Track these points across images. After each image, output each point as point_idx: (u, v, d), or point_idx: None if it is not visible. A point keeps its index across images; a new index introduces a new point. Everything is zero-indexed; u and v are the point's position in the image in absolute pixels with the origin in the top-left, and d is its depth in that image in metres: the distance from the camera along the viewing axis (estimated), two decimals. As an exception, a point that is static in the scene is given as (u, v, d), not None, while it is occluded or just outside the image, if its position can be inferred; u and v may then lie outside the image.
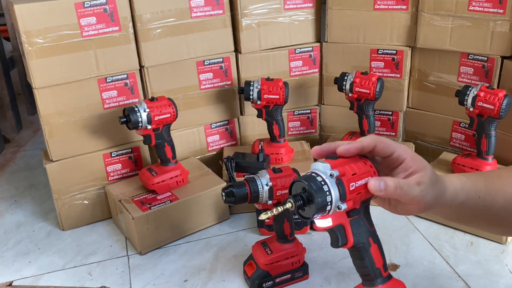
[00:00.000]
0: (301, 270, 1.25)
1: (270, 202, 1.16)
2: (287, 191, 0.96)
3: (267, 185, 1.14)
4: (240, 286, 1.25)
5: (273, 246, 1.23)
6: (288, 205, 0.67)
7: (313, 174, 0.67)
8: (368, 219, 0.74)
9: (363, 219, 0.73)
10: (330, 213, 0.68)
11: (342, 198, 0.67)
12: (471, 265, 1.30)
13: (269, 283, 1.22)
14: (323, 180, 0.66)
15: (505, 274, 1.26)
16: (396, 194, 0.67)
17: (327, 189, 0.66)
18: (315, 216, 0.67)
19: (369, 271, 0.75)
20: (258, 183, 1.14)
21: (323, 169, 0.67)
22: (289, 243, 1.22)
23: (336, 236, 0.72)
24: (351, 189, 0.67)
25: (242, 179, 1.51)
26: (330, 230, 0.72)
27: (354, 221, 0.72)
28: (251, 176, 1.17)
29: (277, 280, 1.23)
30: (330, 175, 0.66)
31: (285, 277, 1.23)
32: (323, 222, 0.70)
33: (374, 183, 0.67)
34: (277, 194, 1.15)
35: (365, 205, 0.73)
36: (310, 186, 0.65)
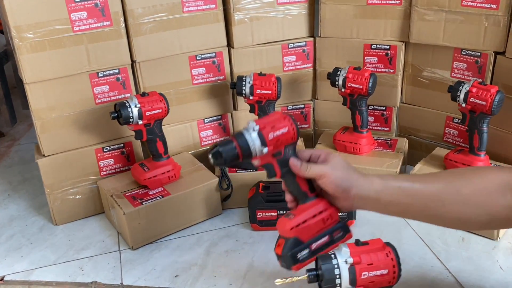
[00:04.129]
0: (339, 229, 0.96)
1: (265, 149, 0.90)
2: (280, 131, 0.90)
3: (253, 129, 0.90)
4: (231, 281, 1.26)
5: (295, 210, 0.96)
6: (304, 277, 0.81)
7: (332, 255, 0.81)
8: None
9: None
10: None
11: (352, 283, 0.79)
12: (462, 261, 1.30)
13: (305, 252, 0.92)
14: (338, 263, 0.80)
15: (496, 270, 1.27)
16: (305, 170, 0.87)
17: (338, 273, 0.79)
18: None
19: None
20: (245, 133, 0.90)
21: (343, 252, 0.81)
22: (312, 200, 0.95)
23: None
24: (362, 277, 0.79)
25: (234, 174, 1.52)
26: None
27: None
28: (237, 131, 1.00)
29: (313, 246, 0.93)
30: (345, 261, 0.80)
31: (322, 240, 0.94)
32: None
33: (292, 161, 0.89)
34: (269, 137, 0.90)
35: None
36: (324, 266, 0.80)
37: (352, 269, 0.80)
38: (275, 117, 0.92)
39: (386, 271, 0.80)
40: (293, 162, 0.89)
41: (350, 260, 0.80)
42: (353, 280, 0.79)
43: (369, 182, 0.86)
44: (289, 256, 0.91)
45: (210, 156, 0.89)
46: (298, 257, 0.92)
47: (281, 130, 0.90)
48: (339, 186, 0.85)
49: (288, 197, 0.94)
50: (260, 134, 0.88)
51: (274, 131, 0.90)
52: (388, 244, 0.83)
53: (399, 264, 0.82)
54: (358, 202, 0.87)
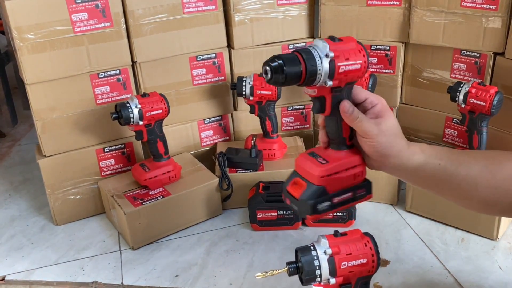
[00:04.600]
0: (364, 187, 0.86)
1: (330, 83, 0.75)
2: (352, 66, 0.76)
3: (327, 56, 0.73)
4: (231, 281, 1.26)
5: (327, 155, 0.84)
6: (284, 270, 0.82)
7: (311, 247, 0.82)
8: None
9: None
10: (321, 284, 0.82)
11: (332, 274, 0.80)
12: (461, 261, 1.30)
13: (326, 203, 0.81)
14: (317, 255, 0.81)
15: (495, 270, 1.27)
16: (354, 120, 0.76)
17: (318, 264, 0.80)
18: (308, 284, 0.82)
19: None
20: (315, 56, 0.73)
21: (321, 244, 0.82)
22: (348, 150, 0.84)
23: None
24: (342, 267, 0.81)
25: (234, 174, 1.52)
26: None
27: None
28: (304, 48, 0.78)
29: (335, 200, 0.83)
30: (324, 251, 0.81)
31: (345, 195, 0.84)
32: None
33: (345, 104, 0.76)
34: (340, 70, 0.75)
35: (363, 281, 0.85)
36: (303, 258, 0.81)
37: (331, 259, 0.81)
38: (350, 46, 0.77)
39: (365, 260, 0.82)
40: (345, 107, 0.76)
41: (329, 251, 0.81)
42: (332, 271, 0.81)
43: (410, 154, 0.80)
44: (310, 205, 0.80)
45: (268, 68, 0.72)
46: (318, 208, 0.81)
47: (353, 65, 0.76)
48: (379, 152, 0.78)
49: (322, 134, 0.82)
50: (331, 64, 0.73)
51: (347, 64, 0.76)
52: (366, 234, 0.84)
53: (377, 253, 0.83)
54: (392, 170, 0.82)
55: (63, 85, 1.41)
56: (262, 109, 1.55)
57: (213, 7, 1.54)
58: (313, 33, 1.70)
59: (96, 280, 1.29)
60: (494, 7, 1.40)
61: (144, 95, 1.41)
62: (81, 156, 1.49)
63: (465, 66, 1.52)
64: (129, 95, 1.50)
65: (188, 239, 1.44)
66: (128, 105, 1.37)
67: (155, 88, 1.51)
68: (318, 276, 0.81)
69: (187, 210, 1.46)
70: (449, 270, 1.27)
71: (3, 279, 1.31)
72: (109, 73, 1.46)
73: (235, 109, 1.71)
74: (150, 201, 1.40)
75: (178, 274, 1.30)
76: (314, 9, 1.67)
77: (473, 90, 1.35)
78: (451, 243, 1.37)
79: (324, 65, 0.72)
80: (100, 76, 1.45)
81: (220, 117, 1.70)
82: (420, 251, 1.34)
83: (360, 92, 0.79)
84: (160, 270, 1.31)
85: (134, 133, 1.44)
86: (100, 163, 1.52)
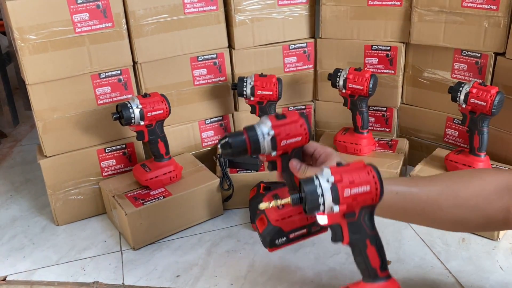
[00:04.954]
0: (318, 224, 1.03)
1: (274, 153, 0.95)
2: (293, 140, 0.95)
3: (268, 134, 0.93)
4: (232, 281, 1.26)
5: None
6: (287, 200, 0.78)
7: (314, 177, 0.78)
8: (368, 223, 0.81)
9: (362, 223, 0.81)
10: (325, 213, 0.78)
11: (335, 201, 0.77)
12: (462, 261, 1.30)
13: (283, 239, 1.03)
14: (320, 183, 0.77)
15: (495, 270, 1.27)
16: (302, 172, 0.89)
17: (321, 192, 0.77)
18: (312, 213, 0.79)
19: (364, 269, 0.81)
20: (258, 132, 0.93)
21: (324, 173, 0.78)
22: None
23: (334, 233, 0.82)
24: (345, 195, 0.77)
25: (235, 174, 1.53)
26: (329, 226, 0.82)
27: (351, 223, 0.81)
28: (250, 125, 0.98)
29: (291, 235, 1.03)
30: (327, 180, 0.77)
31: (300, 232, 1.04)
32: (320, 218, 0.81)
33: (293, 162, 0.91)
34: (282, 144, 0.94)
35: (368, 211, 0.81)
36: (306, 187, 0.77)
37: (334, 187, 0.78)
38: (291, 120, 0.93)
39: (368, 188, 0.79)
40: (293, 164, 0.91)
41: (332, 179, 0.78)
42: (335, 198, 0.77)
43: None
44: (268, 240, 1.00)
45: (219, 145, 0.93)
46: (275, 242, 1.01)
47: (294, 139, 0.93)
48: None
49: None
50: (273, 139, 0.91)
51: (288, 138, 0.93)
52: (369, 164, 0.82)
53: (380, 181, 0.80)
54: None
55: (64, 85, 1.41)
56: (263, 109, 1.55)
57: (214, 7, 1.54)
58: (314, 33, 1.71)
59: (97, 281, 1.29)
60: (495, 7, 1.40)
61: (145, 95, 1.41)
62: (82, 157, 1.49)
63: (466, 66, 1.52)
64: (130, 96, 1.50)
65: (189, 239, 1.44)
66: (129, 105, 1.37)
67: (156, 88, 1.51)
68: (321, 204, 0.78)
69: (188, 211, 1.46)
70: (450, 270, 1.27)
71: (4, 279, 1.32)
72: (110, 73, 1.46)
73: (236, 109, 1.71)
74: (151, 201, 1.40)
75: (179, 275, 1.30)
76: (315, 9, 1.67)
77: (474, 90, 1.35)
78: (452, 243, 1.37)
79: (267, 142, 0.90)
80: (101, 77, 1.45)
81: (221, 118, 1.70)
82: (421, 251, 1.34)
83: (309, 145, 0.93)
84: (161, 271, 1.32)
85: (135, 134, 1.45)
86: (101, 164, 1.52)
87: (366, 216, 0.81)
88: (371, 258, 0.81)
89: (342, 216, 0.80)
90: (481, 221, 0.87)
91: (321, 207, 0.78)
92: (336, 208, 0.78)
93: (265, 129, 0.93)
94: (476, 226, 0.90)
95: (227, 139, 0.92)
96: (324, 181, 0.78)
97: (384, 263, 0.81)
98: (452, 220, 0.87)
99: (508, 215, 0.84)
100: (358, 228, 0.81)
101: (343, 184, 0.78)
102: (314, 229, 1.05)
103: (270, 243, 1.04)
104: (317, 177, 0.78)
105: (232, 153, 0.92)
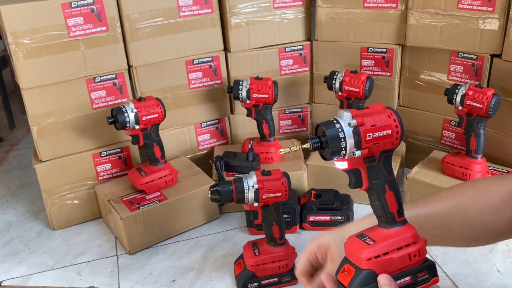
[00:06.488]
0: (289, 275, 1.25)
1: (256, 204, 1.16)
2: (273, 194, 1.16)
3: (253, 187, 1.15)
4: (228, 286, 1.26)
5: (263, 248, 1.23)
6: (307, 145, 0.73)
7: (334, 121, 0.74)
8: (387, 168, 0.78)
9: (381, 167, 0.78)
10: (345, 158, 0.75)
11: (357, 146, 0.73)
12: (460, 264, 1.30)
13: (255, 284, 1.23)
14: (341, 127, 0.73)
15: (493, 273, 1.26)
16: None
17: (343, 136, 0.73)
18: (331, 158, 0.74)
19: (383, 214, 0.79)
20: (244, 184, 1.15)
21: (344, 117, 0.74)
22: (279, 246, 1.23)
23: (352, 178, 0.78)
24: (367, 138, 0.73)
25: (231, 178, 1.52)
26: (347, 171, 0.78)
27: (371, 168, 0.77)
28: (239, 176, 1.19)
29: (263, 282, 1.23)
30: (349, 123, 0.73)
31: (271, 280, 1.24)
32: (340, 164, 0.77)
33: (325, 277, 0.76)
34: (263, 197, 1.15)
35: (386, 155, 0.78)
36: (328, 131, 0.73)
37: (356, 131, 0.73)
38: (275, 177, 1.16)
39: (389, 132, 0.75)
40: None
41: (354, 122, 0.73)
42: (358, 142, 0.74)
43: None
44: (241, 284, 1.12)
45: (209, 191, 1.17)
46: (248, 287, 1.10)
47: (274, 194, 1.16)
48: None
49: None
50: (256, 192, 1.14)
51: (269, 193, 1.15)
52: (388, 107, 0.80)
53: (401, 125, 0.79)
54: None
55: (59, 89, 1.41)
56: (259, 112, 1.55)
57: (209, 10, 1.54)
58: (310, 36, 1.70)
59: (92, 285, 1.28)
60: (491, 9, 1.40)
61: (140, 99, 1.41)
62: (77, 161, 1.49)
63: (462, 68, 1.51)
64: (125, 100, 1.49)
65: (185, 243, 1.43)
66: (124, 109, 1.37)
67: (151, 92, 1.51)
68: (343, 149, 0.74)
69: (184, 215, 1.46)
70: (447, 273, 1.27)
71: (-1, 285, 1.31)
72: (105, 77, 1.45)
73: (232, 112, 1.70)
74: (146, 206, 1.39)
75: (175, 279, 1.29)
76: (310, 11, 1.67)
77: (470, 92, 1.35)
78: (449, 246, 1.37)
79: (251, 193, 1.15)
80: (96, 81, 1.44)
81: (217, 121, 1.69)
82: (418, 254, 1.34)
83: (301, 266, 0.82)
84: (157, 275, 1.31)
85: (130, 138, 1.44)
86: (97, 168, 1.52)
87: (385, 161, 0.79)
88: (390, 203, 0.78)
89: (362, 160, 0.77)
90: (492, 235, 0.85)
91: (343, 152, 0.74)
92: (358, 153, 0.74)
93: (250, 182, 1.15)
94: (488, 240, 0.88)
95: (217, 187, 1.16)
96: (346, 124, 0.74)
97: (401, 208, 0.79)
98: (464, 238, 0.85)
99: None
100: (377, 173, 0.78)
101: (365, 128, 0.74)
102: (284, 279, 1.24)
103: (243, 287, 1.21)
104: (337, 121, 0.74)
105: (219, 199, 1.17)
